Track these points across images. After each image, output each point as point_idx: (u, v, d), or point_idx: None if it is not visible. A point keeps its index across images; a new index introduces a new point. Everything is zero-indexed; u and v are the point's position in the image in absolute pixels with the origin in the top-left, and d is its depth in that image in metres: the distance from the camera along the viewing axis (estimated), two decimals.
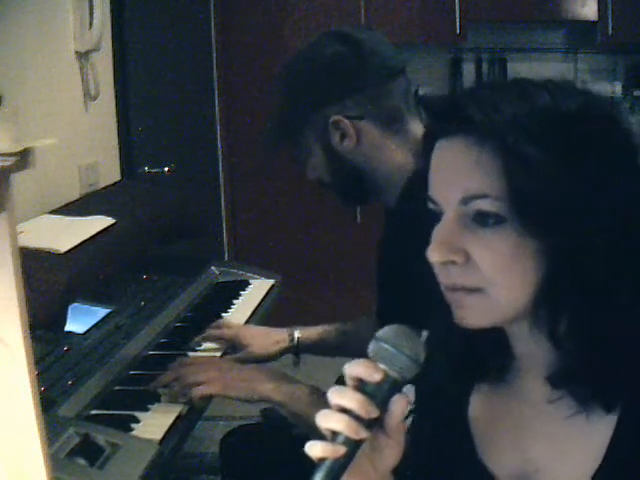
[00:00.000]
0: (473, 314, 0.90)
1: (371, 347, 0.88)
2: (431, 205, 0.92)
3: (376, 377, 0.86)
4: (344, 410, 0.85)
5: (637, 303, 0.86)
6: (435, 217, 0.91)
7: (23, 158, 0.70)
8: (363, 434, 0.85)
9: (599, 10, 4.07)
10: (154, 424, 1.43)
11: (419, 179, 0.95)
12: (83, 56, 2.32)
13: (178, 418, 1.46)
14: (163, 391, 1.53)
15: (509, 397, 0.97)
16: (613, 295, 0.86)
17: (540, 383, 0.92)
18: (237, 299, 2.13)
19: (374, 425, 0.87)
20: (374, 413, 0.85)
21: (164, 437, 1.39)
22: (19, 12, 2.02)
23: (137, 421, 1.42)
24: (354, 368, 0.87)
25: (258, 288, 2.22)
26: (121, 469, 1.23)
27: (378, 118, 1.61)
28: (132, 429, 1.40)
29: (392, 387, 0.87)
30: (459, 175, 0.88)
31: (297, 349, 1.85)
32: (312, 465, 0.85)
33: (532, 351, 0.93)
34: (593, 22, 4.12)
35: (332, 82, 1.61)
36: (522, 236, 0.85)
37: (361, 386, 0.87)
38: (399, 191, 1.60)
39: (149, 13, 3.03)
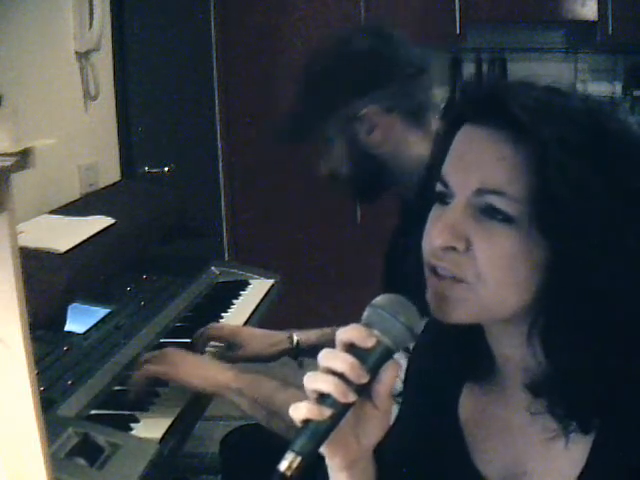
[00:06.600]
0: (456, 307, 0.88)
1: (366, 313, 0.87)
2: (440, 188, 0.90)
3: (369, 342, 0.85)
4: (333, 373, 0.84)
5: (636, 332, 0.85)
6: (430, 203, 0.90)
7: (23, 158, 0.70)
8: (351, 397, 0.83)
9: (599, 10, 4.06)
10: (154, 424, 1.43)
11: (432, 163, 0.94)
12: (83, 56, 2.32)
13: (178, 418, 1.46)
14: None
15: (496, 401, 0.97)
16: (610, 315, 0.84)
17: (521, 391, 0.91)
18: (237, 299, 2.13)
19: (362, 393, 0.85)
20: (364, 378, 0.84)
21: (164, 437, 1.39)
22: (19, 12, 2.02)
23: (137, 421, 1.42)
24: (347, 332, 0.86)
25: (258, 288, 2.22)
26: (121, 469, 1.23)
27: (406, 111, 1.64)
28: (132, 429, 1.40)
29: (384, 355, 0.85)
30: (480, 165, 0.86)
31: (296, 352, 1.84)
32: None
33: (511, 356, 0.92)
34: (593, 22, 4.11)
35: (364, 75, 1.63)
36: (528, 240, 0.84)
37: (352, 351, 0.85)
38: (417, 182, 1.60)
39: (149, 13, 3.03)
